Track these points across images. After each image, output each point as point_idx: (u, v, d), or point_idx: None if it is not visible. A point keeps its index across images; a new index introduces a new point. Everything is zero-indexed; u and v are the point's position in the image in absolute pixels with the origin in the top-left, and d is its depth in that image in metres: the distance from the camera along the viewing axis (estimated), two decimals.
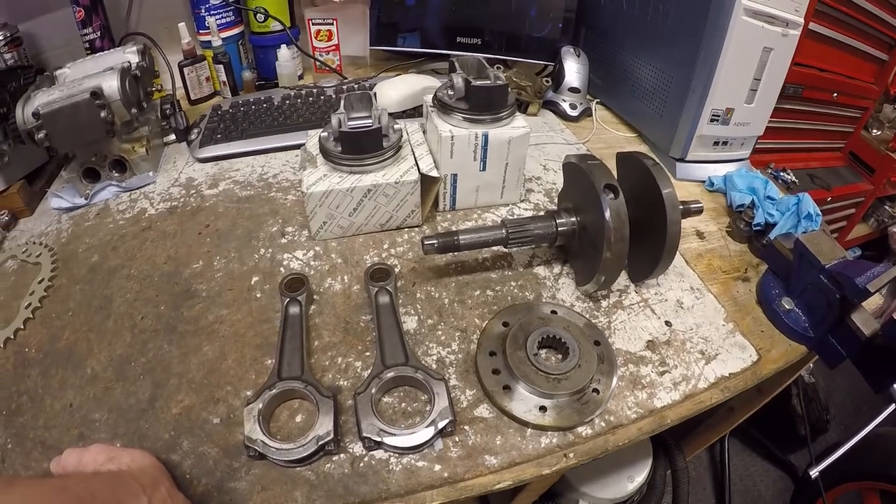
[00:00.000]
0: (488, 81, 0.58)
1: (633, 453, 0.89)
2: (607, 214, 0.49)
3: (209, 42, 0.89)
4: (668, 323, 0.56)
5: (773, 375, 0.76)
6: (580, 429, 0.46)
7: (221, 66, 0.89)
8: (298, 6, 0.97)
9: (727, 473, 1.21)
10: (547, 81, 0.85)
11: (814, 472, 0.65)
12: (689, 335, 0.56)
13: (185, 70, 0.90)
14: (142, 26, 0.96)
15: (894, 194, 1.40)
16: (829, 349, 0.57)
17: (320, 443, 0.41)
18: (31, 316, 0.60)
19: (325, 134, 0.59)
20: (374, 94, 0.61)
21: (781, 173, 1.13)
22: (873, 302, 0.68)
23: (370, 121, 0.57)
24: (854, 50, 1.15)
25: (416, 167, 0.59)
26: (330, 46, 0.93)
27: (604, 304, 0.57)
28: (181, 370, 0.51)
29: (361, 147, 0.56)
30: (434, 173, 0.58)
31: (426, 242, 0.51)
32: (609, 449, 0.46)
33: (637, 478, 0.86)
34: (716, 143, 0.82)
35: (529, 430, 0.45)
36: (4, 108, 0.79)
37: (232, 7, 0.90)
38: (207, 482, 0.43)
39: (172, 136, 0.83)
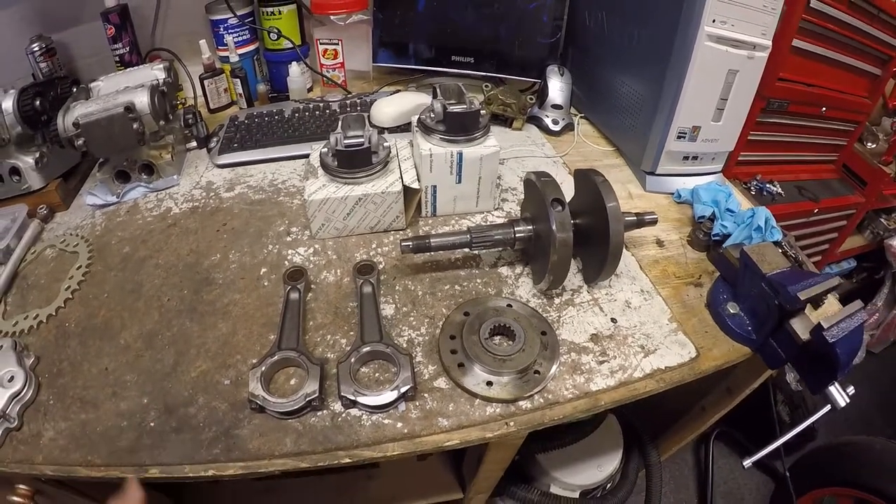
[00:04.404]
0: (464, 107, 0.71)
1: (603, 444, 1.01)
2: (553, 225, 0.61)
3: (227, 57, 1.05)
4: (613, 320, 0.68)
5: (737, 374, 0.87)
6: (521, 402, 0.57)
7: (238, 80, 1.04)
8: (308, 26, 1.12)
9: (710, 474, 1.32)
10: (531, 99, 0.98)
11: (747, 463, 0.76)
12: (632, 331, 0.66)
13: (206, 82, 1.06)
14: (165, 42, 1.12)
15: (890, 207, 1.48)
16: (770, 351, 0.65)
17: (307, 399, 0.54)
18: (70, 297, 0.74)
19: (325, 150, 0.73)
20: (369, 115, 0.74)
21: (767, 185, 1.23)
22: (830, 309, 0.78)
23: (362, 139, 0.71)
24: (844, 65, 1.23)
25: (400, 180, 0.72)
26: (336, 64, 1.08)
27: (556, 300, 0.69)
28: (200, 342, 0.64)
29: (354, 162, 0.70)
30: (415, 185, 0.72)
31: (403, 244, 0.65)
32: (545, 422, 0.58)
33: (606, 467, 0.98)
34: (685, 158, 0.93)
35: (478, 400, 0.57)
36: (45, 116, 0.95)
37: (248, 27, 1.06)
38: (217, 429, 0.55)
39: (194, 143, 0.98)
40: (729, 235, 0.80)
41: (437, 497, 0.93)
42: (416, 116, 0.76)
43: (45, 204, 0.92)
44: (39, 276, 0.79)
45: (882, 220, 1.51)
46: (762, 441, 1.40)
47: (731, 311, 0.70)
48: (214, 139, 0.96)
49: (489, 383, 0.58)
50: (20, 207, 0.91)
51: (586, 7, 1.04)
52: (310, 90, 1.14)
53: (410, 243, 0.64)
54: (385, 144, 0.74)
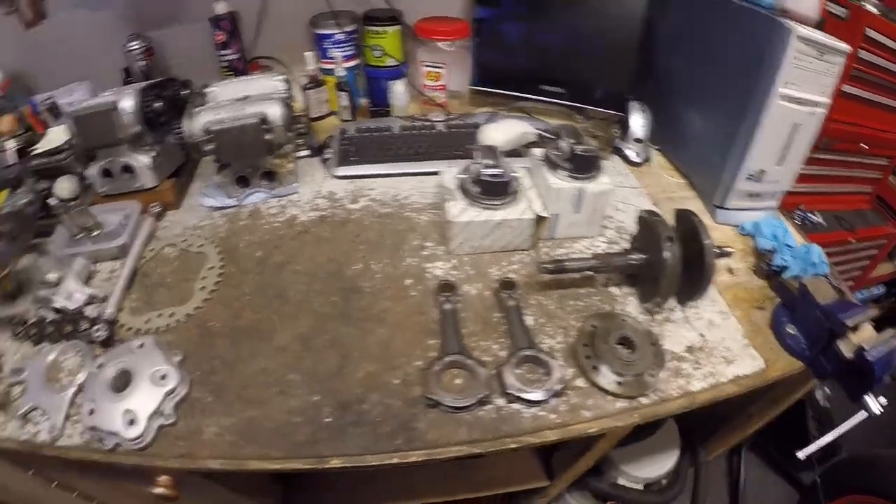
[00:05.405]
0: (587, 148, 0.93)
1: (664, 443, 1.25)
2: (667, 256, 0.83)
3: (332, 70, 1.23)
4: (702, 335, 0.89)
5: (783, 385, 1.09)
6: (641, 399, 0.78)
7: (344, 94, 1.23)
8: (410, 46, 1.32)
9: (741, 481, 1.58)
10: (616, 132, 1.20)
11: (801, 454, 0.99)
12: (716, 345, 0.87)
13: (310, 92, 1.24)
14: (265, 50, 1.29)
15: None
16: (819, 365, 0.86)
17: (479, 397, 0.73)
18: (208, 297, 0.87)
19: (464, 176, 0.93)
20: (498, 149, 0.95)
21: (809, 215, 1.49)
22: (865, 333, 1.02)
23: (500, 170, 0.91)
24: (886, 106, 1.49)
25: (531, 208, 0.93)
26: (438, 85, 1.28)
27: (657, 317, 0.91)
28: (360, 346, 0.78)
29: (494, 191, 0.91)
30: (545, 214, 0.93)
31: (542, 266, 0.85)
32: (660, 414, 0.78)
33: (667, 463, 1.22)
34: (750, 195, 1.16)
35: (609, 396, 0.77)
36: (163, 118, 1.11)
37: (353, 42, 1.24)
38: (394, 422, 0.69)
39: (306, 152, 1.16)
40: (787, 267, 1.04)
41: (527, 484, 1.15)
42: (543, 151, 0.97)
43: (158, 202, 1.06)
44: (164, 274, 0.93)
45: None
46: (791, 454, 1.67)
47: (790, 332, 0.91)
48: (328, 151, 1.15)
49: (618, 383, 0.79)
50: (132, 204, 1.04)
51: (666, 49, 1.26)
52: None
53: (550, 266, 0.86)
54: (513, 174, 0.95)
